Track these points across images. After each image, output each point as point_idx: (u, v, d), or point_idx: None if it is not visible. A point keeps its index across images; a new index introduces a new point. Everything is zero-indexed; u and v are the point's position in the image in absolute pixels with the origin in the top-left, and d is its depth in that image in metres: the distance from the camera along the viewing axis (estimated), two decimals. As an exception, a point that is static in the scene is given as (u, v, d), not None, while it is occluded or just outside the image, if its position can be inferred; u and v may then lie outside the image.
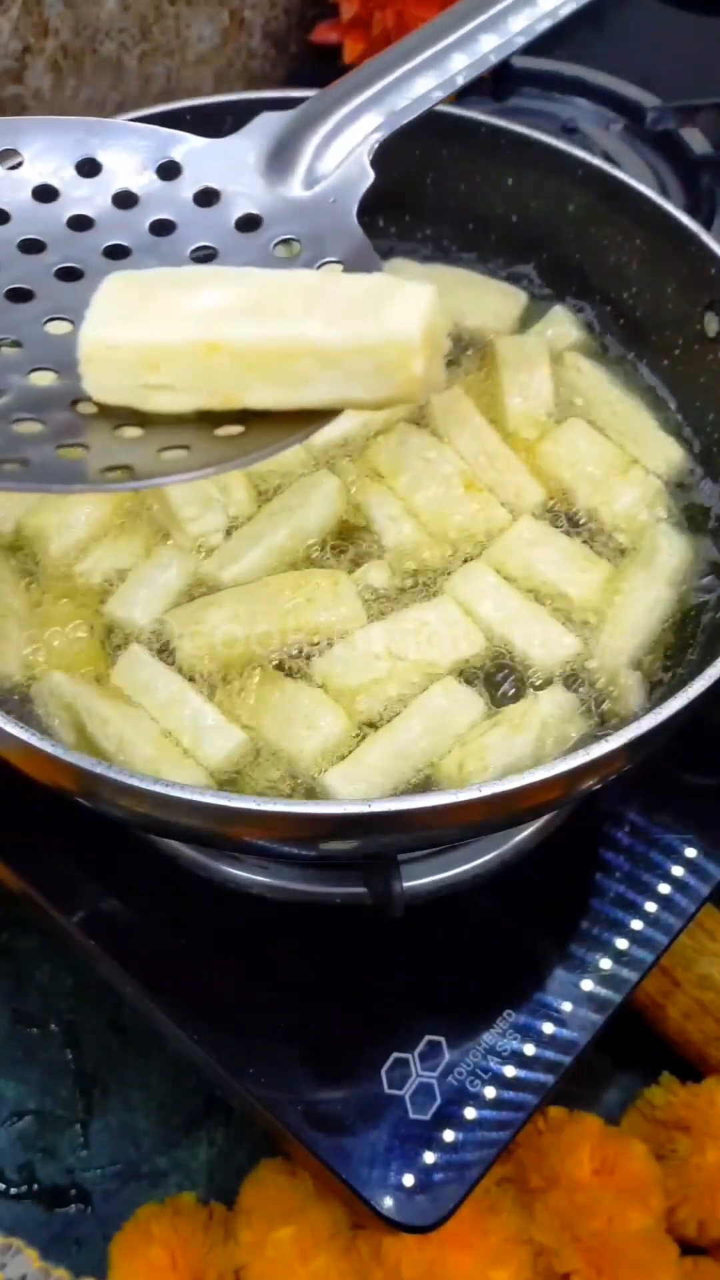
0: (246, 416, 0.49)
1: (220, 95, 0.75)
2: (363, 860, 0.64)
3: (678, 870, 0.76)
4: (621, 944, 0.73)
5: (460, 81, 0.59)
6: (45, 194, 0.56)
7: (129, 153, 0.57)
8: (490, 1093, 0.67)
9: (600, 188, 0.75)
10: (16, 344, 0.52)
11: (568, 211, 0.78)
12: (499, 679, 0.64)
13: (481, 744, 0.60)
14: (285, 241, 0.56)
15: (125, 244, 0.55)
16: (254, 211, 0.57)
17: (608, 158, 1.01)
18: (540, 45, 0.61)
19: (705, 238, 0.70)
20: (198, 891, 0.74)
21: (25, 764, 0.54)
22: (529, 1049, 0.69)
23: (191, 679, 0.63)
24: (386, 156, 0.58)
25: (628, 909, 0.74)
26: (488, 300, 0.79)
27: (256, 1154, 0.77)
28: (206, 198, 0.57)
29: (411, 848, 0.67)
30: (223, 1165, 0.81)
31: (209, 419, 0.49)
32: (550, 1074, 0.68)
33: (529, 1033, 0.69)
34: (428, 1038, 0.69)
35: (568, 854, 0.76)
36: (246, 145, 0.58)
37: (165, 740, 0.61)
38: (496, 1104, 0.67)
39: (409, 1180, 0.65)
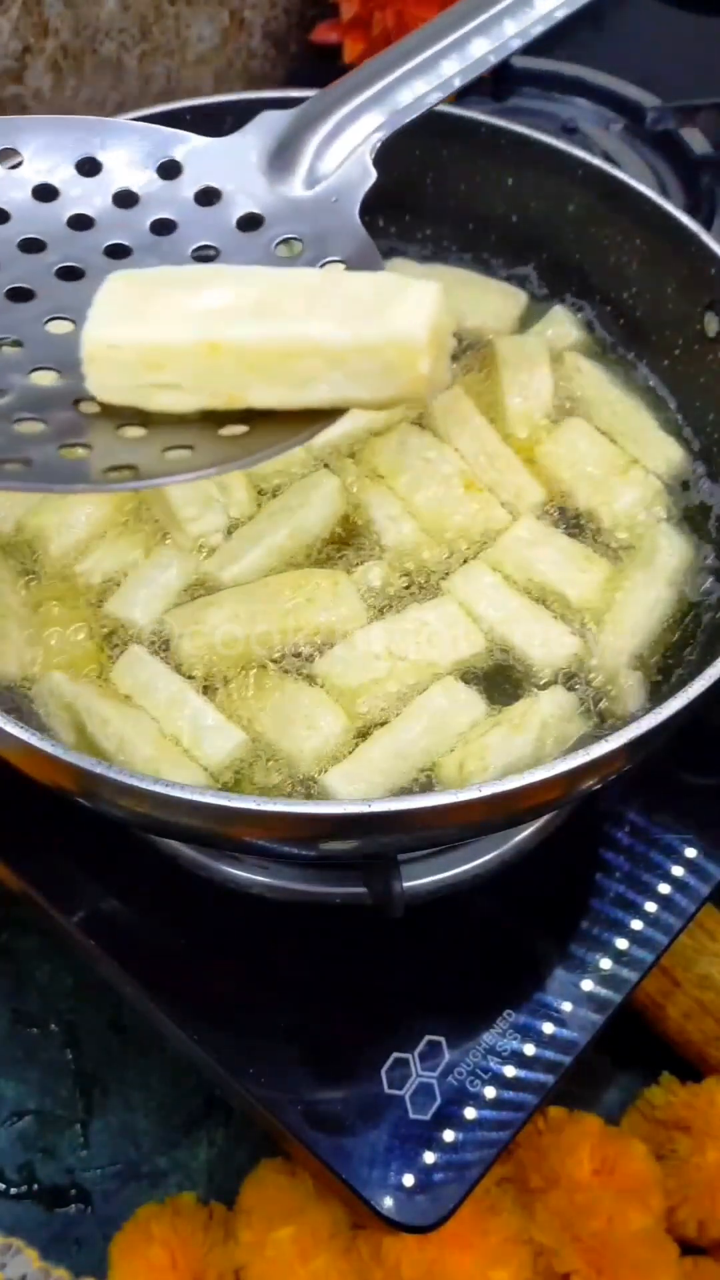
0: (250, 416, 0.49)
1: (220, 95, 0.75)
2: (363, 860, 0.64)
3: (678, 870, 0.76)
4: (621, 944, 0.73)
5: (458, 83, 0.59)
6: (45, 193, 0.55)
7: (129, 152, 0.57)
8: (490, 1093, 0.67)
9: (600, 188, 0.75)
10: (17, 343, 0.52)
11: (568, 211, 0.78)
12: (499, 679, 0.64)
13: (482, 744, 0.60)
14: (287, 241, 0.56)
15: (126, 243, 0.55)
16: (255, 211, 0.57)
17: (608, 158, 1.01)
18: (540, 45, 0.61)
19: (705, 238, 0.70)
20: (198, 891, 0.74)
21: (25, 764, 0.54)
22: (529, 1049, 0.69)
23: (191, 679, 0.63)
24: (386, 156, 0.58)
25: (628, 909, 0.74)
26: (488, 300, 0.79)
27: (256, 1154, 0.77)
28: (207, 197, 0.57)
29: (411, 848, 0.67)
30: (223, 1165, 0.81)
31: (213, 419, 0.49)
32: (550, 1074, 0.68)
33: (529, 1033, 0.69)
34: (428, 1038, 0.69)
35: (568, 854, 0.76)
36: (248, 144, 0.58)
37: (165, 740, 0.61)
38: (496, 1104, 0.67)
39: (409, 1180, 0.65)
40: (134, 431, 0.49)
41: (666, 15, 1.23)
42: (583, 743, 0.59)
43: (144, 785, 0.49)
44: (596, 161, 0.75)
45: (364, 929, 0.72)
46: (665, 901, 0.74)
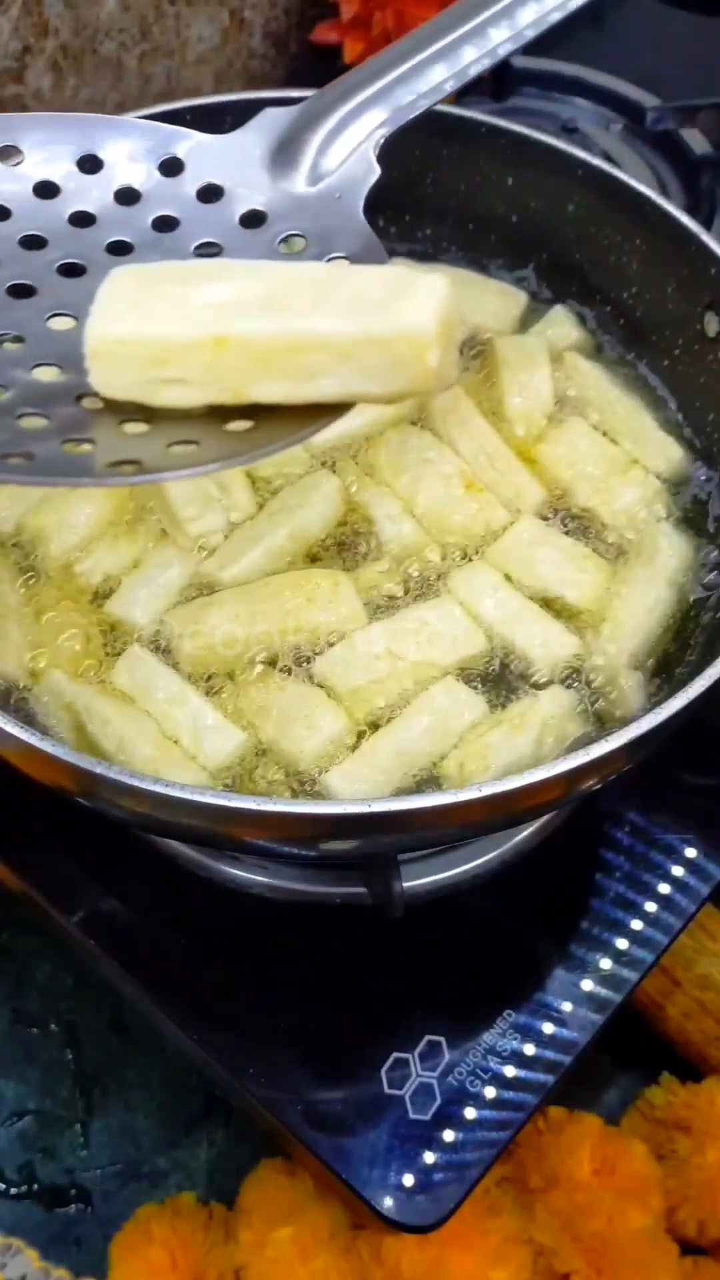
0: (256, 411, 0.49)
1: (220, 95, 0.75)
2: (363, 860, 0.64)
3: (678, 870, 0.76)
4: (621, 944, 0.73)
5: (471, 73, 0.59)
6: (46, 190, 0.55)
7: (131, 149, 0.57)
8: (490, 1093, 0.67)
9: (600, 188, 0.75)
10: (19, 340, 0.51)
11: (568, 211, 0.78)
12: (499, 679, 0.64)
13: (482, 744, 0.60)
14: (289, 239, 0.56)
15: (128, 240, 0.55)
16: (258, 208, 0.56)
17: (608, 158, 1.01)
18: (540, 45, 0.61)
19: (705, 238, 0.70)
20: (198, 891, 0.74)
21: (25, 764, 0.54)
22: (529, 1049, 0.69)
23: (192, 679, 0.63)
24: (387, 156, 0.58)
25: (628, 909, 0.74)
26: (488, 300, 0.79)
27: (256, 1154, 0.77)
28: (210, 194, 0.57)
29: (411, 848, 0.67)
30: (223, 1165, 0.81)
31: (217, 414, 0.49)
32: (550, 1074, 0.68)
33: (529, 1033, 0.69)
34: (428, 1038, 0.69)
35: (568, 854, 0.76)
36: (250, 141, 0.58)
37: (165, 740, 0.61)
38: (496, 1104, 0.67)
39: (409, 1180, 0.65)
40: (137, 427, 0.49)
41: (666, 15, 1.23)
42: (582, 743, 0.59)
43: (144, 785, 0.49)
44: (596, 161, 0.75)
45: (364, 929, 0.72)
46: (665, 901, 0.74)
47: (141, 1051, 0.85)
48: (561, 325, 0.78)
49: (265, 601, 0.64)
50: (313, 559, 0.68)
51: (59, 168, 0.56)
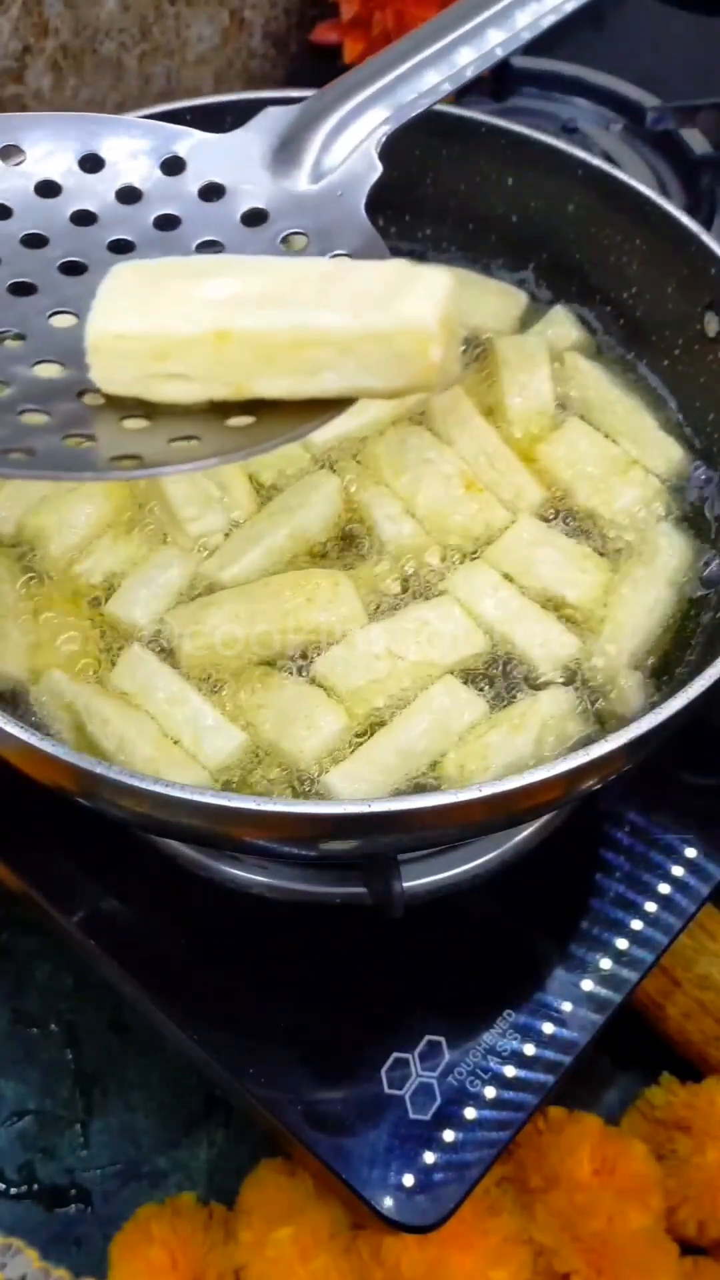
0: (256, 407, 0.49)
1: (220, 95, 0.75)
2: (363, 860, 0.64)
3: (678, 870, 0.76)
4: (621, 944, 0.73)
5: (468, 75, 0.59)
6: (48, 189, 0.55)
7: (132, 148, 0.57)
8: (490, 1093, 0.67)
9: (600, 188, 0.75)
10: (20, 337, 0.51)
11: (568, 211, 0.78)
12: (499, 679, 0.64)
13: (483, 744, 0.60)
14: (292, 236, 0.56)
15: (129, 238, 0.55)
16: (260, 206, 0.56)
17: (608, 158, 1.01)
18: (540, 45, 0.61)
19: (705, 238, 0.70)
20: (198, 891, 0.74)
21: (25, 764, 0.54)
22: (529, 1049, 0.69)
23: (192, 679, 0.63)
24: (387, 155, 0.58)
25: (628, 909, 0.74)
26: (488, 300, 0.79)
27: (256, 1154, 0.77)
28: (211, 192, 0.57)
29: (411, 848, 0.67)
30: (223, 1165, 0.81)
31: (218, 410, 0.49)
32: (550, 1074, 0.68)
33: (529, 1033, 0.69)
34: (428, 1038, 0.69)
35: (568, 854, 0.76)
36: (252, 140, 0.58)
37: (165, 740, 0.61)
38: (496, 1104, 0.67)
39: (409, 1180, 0.65)
40: (138, 423, 0.49)
41: (666, 15, 1.23)
42: (582, 742, 0.59)
43: (144, 785, 0.49)
44: (596, 161, 0.75)
45: (364, 929, 0.72)
46: (665, 901, 0.74)
47: (141, 1051, 0.85)
48: (561, 325, 0.78)
49: (265, 601, 0.64)
50: (313, 559, 0.68)
51: (60, 167, 0.56)
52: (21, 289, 0.53)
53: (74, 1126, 0.82)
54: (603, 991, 0.71)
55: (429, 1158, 0.65)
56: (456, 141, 0.78)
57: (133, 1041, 0.85)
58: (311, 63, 1.22)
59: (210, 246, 0.56)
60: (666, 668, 0.66)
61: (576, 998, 0.71)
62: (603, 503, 0.70)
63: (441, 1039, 0.69)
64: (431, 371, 0.47)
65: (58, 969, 0.88)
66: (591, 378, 0.75)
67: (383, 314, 0.47)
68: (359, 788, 0.59)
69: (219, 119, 0.72)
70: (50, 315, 0.52)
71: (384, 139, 0.58)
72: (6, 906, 0.88)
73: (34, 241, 0.54)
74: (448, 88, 0.59)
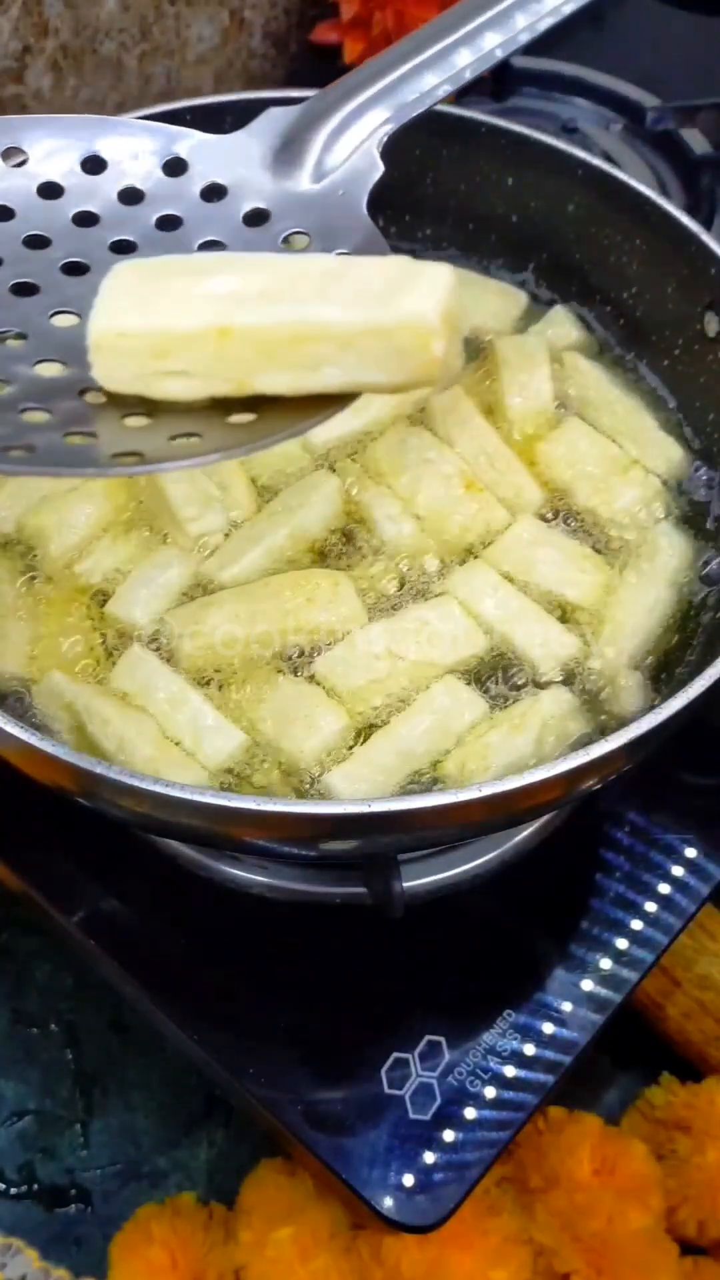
0: (258, 404, 0.49)
1: (220, 95, 0.75)
2: (363, 860, 0.64)
3: (678, 870, 0.76)
4: (621, 944, 0.73)
5: (467, 76, 0.59)
6: (50, 191, 0.56)
7: (134, 149, 0.57)
8: (490, 1093, 0.67)
9: (600, 188, 0.75)
10: (21, 336, 0.52)
11: (568, 211, 0.78)
12: (499, 679, 0.64)
13: (483, 744, 0.60)
14: (294, 235, 0.56)
15: (131, 239, 0.55)
16: (261, 206, 0.56)
17: (608, 158, 1.01)
18: (540, 45, 0.61)
19: (705, 238, 0.70)
20: (198, 891, 0.74)
21: (25, 764, 0.54)
22: (529, 1049, 0.69)
23: (192, 679, 0.63)
24: (387, 155, 0.58)
25: (628, 909, 0.74)
26: (488, 300, 0.79)
27: (256, 1154, 0.77)
28: (213, 193, 0.57)
29: (411, 848, 0.67)
30: (223, 1165, 0.81)
31: (219, 408, 0.49)
32: (550, 1074, 0.68)
33: (529, 1033, 0.69)
34: (428, 1038, 0.69)
35: (568, 854, 0.76)
36: (253, 140, 0.58)
37: (165, 740, 0.61)
38: (496, 1104, 0.67)
39: (409, 1180, 0.65)
40: (139, 421, 0.49)
41: (666, 15, 1.23)
42: (583, 742, 0.59)
43: (144, 785, 0.49)
44: (596, 161, 0.75)
45: (364, 929, 0.72)
46: (665, 901, 0.74)
47: (141, 1051, 0.85)
48: (561, 325, 0.78)
49: (265, 601, 0.64)
50: (313, 559, 0.68)
51: (63, 168, 0.56)
52: (23, 289, 0.53)
53: (74, 1126, 0.82)
54: (603, 991, 0.71)
55: (429, 1158, 0.65)
56: (456, 141, 0.78)
57: (133, 1041, 0.85)
58: (311, 63, 1.22)
59: (212, 247, 0.56)
60: (666, 668, 0.66)
61: (576, 998, 0.71)
62: (603, 503, 0.70)
63: (441, 1039, 0.69)
64: (434, 366, 0.47)
65: (58, 969, 0.88)
66: (591, 378, 0.75)
67: (384, 309, 0.47)
68: (360, 788, 0.59)
69: (219, 119, 0.72)
70: (52, 315, 0.52)
71: (385, 138, 0.58)
72: (6, 906, 0.88)
73: (36, 242, 0.55)
74: (448, 88, 0.59)
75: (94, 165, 0.56)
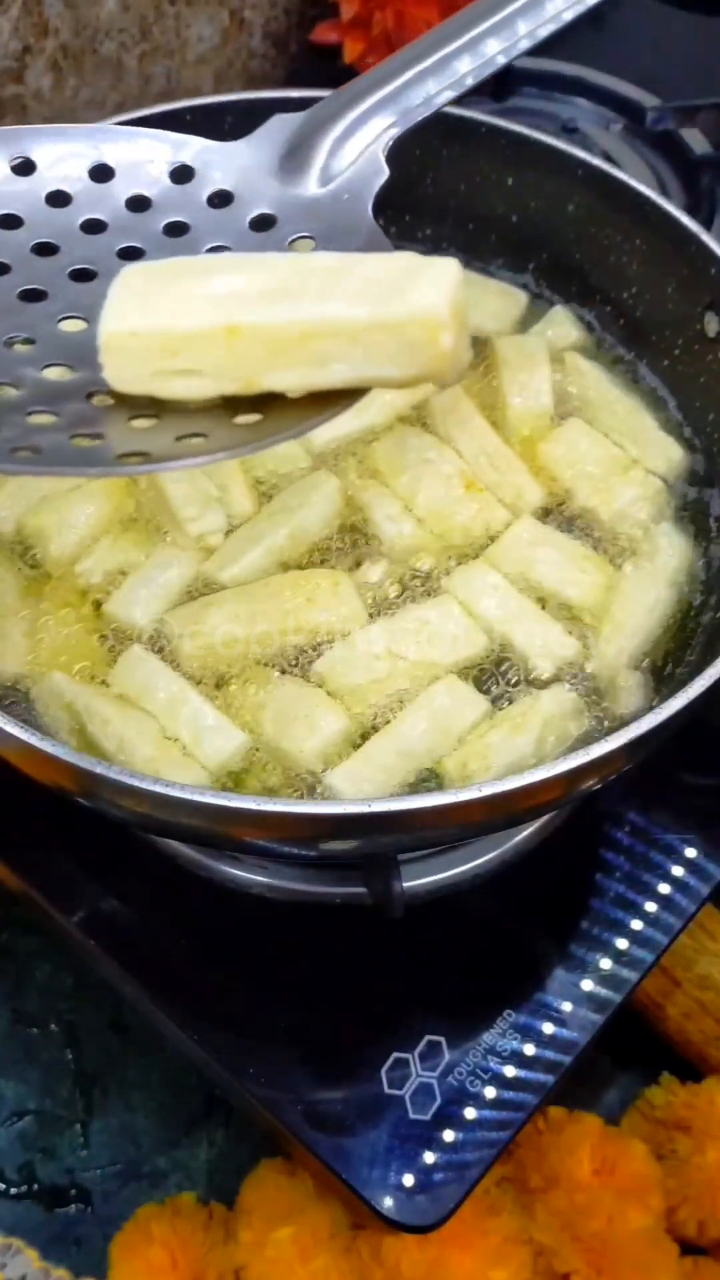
0: (264, 405, 0.49)
1: (220, 95, 0.75)
2: (363, 860, 0.64)
3: (678, 870, 0.76)
4: (621, 944, 0.73)
5: (470, 82, 0.59)
6: (58, 199, 0.56)
7: (142, 157, 0.57)
8: (490, 1093, 0.67)
9: (600, 188, 0.75)
10: (29, 341, 0.52)
11: (568, 211, 0.78)
12: (499, 679, 0.64)
13: (484, 744, 0.60)
14: (299, 240, 0.56)
15: (138, 245, 0.56)
16: (268, 211, 0.57)
17: (608, 158, 1.01)
18: (540, 45, 0.61)
19: (705, 238, 0.70)
20: (198, 891, 0.74)
21: (25, 764, 0.54)
22: (529, 1049, 0.69)
23: (192, 679, 0.63)
24: (390, 158, 0.58)
25: (628, 909, 0.74)
26: (487, 300, 0.79)
27: (256, 1154, 0.77)
28: (220, 199, 0.57)
29: (411, 848, 0.67)
30: (223, 1165, 0.81)
31: (226, 408, 0.49)
32: (550, 1074, 0.68)
33: (529, 1033, 0.69)
34: (428, 1038, 0.69)
35: (568, 854, 0.76)
36: (259, 147, 0.58)
37: (165, 740, 0.61)
38: (496, 1104, 0.67)
39: (409, 1180, 0.65)
40: (146, 422, 0.49)
41: (666, 15, 1.23)
42: (583, 743, 0.59)
43: (144, 785, 0.49)
44: (596, 161, 0.75)
45: (364, 929, 0.72)
46: (665, 901, 0.74)
47: (141, 1051, 0.85)
48: (561, 325, 0.78)
49: (265, 601, 0.64)
50: (313, 559, 0.68)
51: (71, 177, 0.57)
52: (32, 295, 0.54)
53: (74, 1126, 0.82)
54: (603, 991, 0.71)
55: (429, 1158, 0.65)
56: (456, 141, 0.78)
57: (133, 1041, 0.85)
58: (311, 63, 1.22)
59: (218, 252, 0.56)
60: (666, 668, 0.66)
61: (576, 998, 0.71)
62: (603, 503, 0.70)
63: (441, 1039, 0.69)
64: (443, 359, 0.48)
65: (58, 969, 0.88)
66: (591, 378, 0.75)
67: (392, 303, 0.47)
68: (361, 788, 0.59)
69: (219, 119, 0.73)
70: (60, 320, 0.53)
71: (391, 142, 0.58)
72: (6, 906, 0.88)
73: (44, 250, 0.55)
74: (451, 94, 0.59)
75: (101, 173, 0.57)
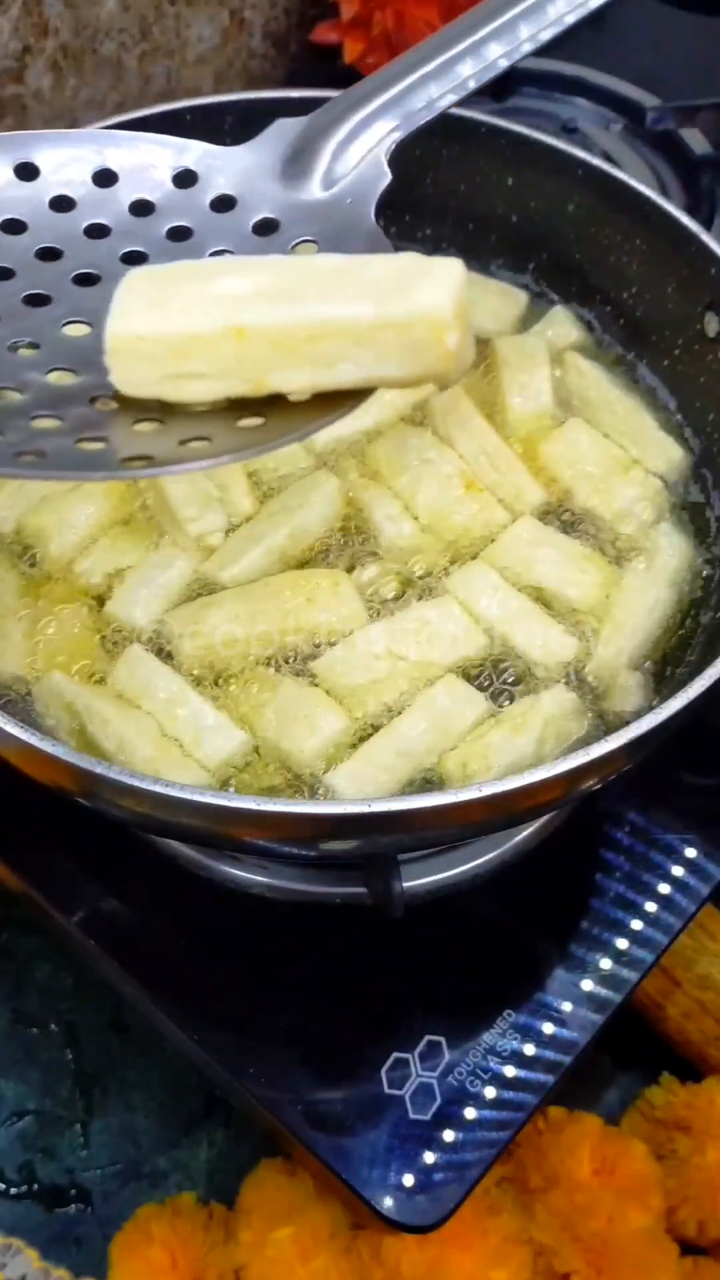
0: (268, 408, 0.49)
1: (220, 95, 0.75)
2: (363, 860, 0.64)
3: (678, 870, 0.76)
4: (621, 944, 0.73)
5: (472, 85, 0.60)
6: (62, 204, 0.57)
7: (145, 162, 0.58)
8: (490, 1093, 0.67)
9: (600, 188, 0.75)
10: (34, 346, 0.52)
11: (568, 211, 0.78)
12: (499, 679, 0.64)
13: (485, 744, 0.60)
14: (302, 244, 0.57)
15: (142, 250, 0.56)
16: (271, 215, 0.57)
17: (608, 158, 1.01)
18: (542, 47, 0.61)
19: (705, 238, 0.70)
20: (198, 891, 0.74)
21: (25, 764, 0.54)
22: (529, 1049, 0.69)
23: (192, 679, 0.63)
24: (391, 159, 0.58)
25: (628, 909, 0.74)
26: (487, 300, 0.79)
27: (256, 1154, 0.77)
28: (223, 204, 0.58)
29: (411, 848, 0.67)
30: (223, 1165, 0.81)
31: (229, 413, 0.49)
32: (550, 1074, 0.68)
33: (529, 1033, 0.69)
34: (428, 1038, 0.69)
35: (568, 854, 0.76)
36: (262, 151, 0.59)
37: (165, 740, 0.61)
38: (496, 1104, 0.67)
39: (409, 1180, 0.65)
40: (150, 426, 0.50)
41: (666, 15, 1.23)
42: (583, 742, 0.59)
43: (144, 785, 0.49)
44: (596, 161, 0.75)
45: (364, 929, 0.72)
46: (665, 901, 0.74)
47: (141, 1051, 0.85)
48: (561, 325, 0.78)
49: (265, 601, 0.64)
50: (313, 559, 0.68)
51: (74, 182, 0.57)
52: (36, 300, 0.54)
53: (74, 1126, 0.82)
54: (603, 991, 0.71)
55: (429, 1158, 0.65)
56: (456, 141, 0.78)
57: (133, 1041, 0.85)
58: (311, 63, 1.22)
59: (222, 255, 0.56)
60: (666, 668, 0.66)
61: (576, 998, 0.71)
62: (603, 502, 0.70)
63: (441, 1039, 0.69)
64: (448, 358, 0.48)
65: (58, 969, 0.88)
66: (591, 378, 0.75)
67: (398, 303, 0.47)
68: (362, 787, 0.59)
69: (219, 119, 0.73)
70: (64, 325, 0.53)
71: (394, 146, 0.58)
72: (6, 906, 0.88)
73: (48, 255, 0.56)
74: (453, 98, 0.60)
75: (105, 178, 0.57)
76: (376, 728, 0.62)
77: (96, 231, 0.56)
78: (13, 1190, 0.80)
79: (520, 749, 0.60)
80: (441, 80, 0.59)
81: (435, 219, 0.82)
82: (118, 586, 0.66)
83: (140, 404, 0.50)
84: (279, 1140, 0.73)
